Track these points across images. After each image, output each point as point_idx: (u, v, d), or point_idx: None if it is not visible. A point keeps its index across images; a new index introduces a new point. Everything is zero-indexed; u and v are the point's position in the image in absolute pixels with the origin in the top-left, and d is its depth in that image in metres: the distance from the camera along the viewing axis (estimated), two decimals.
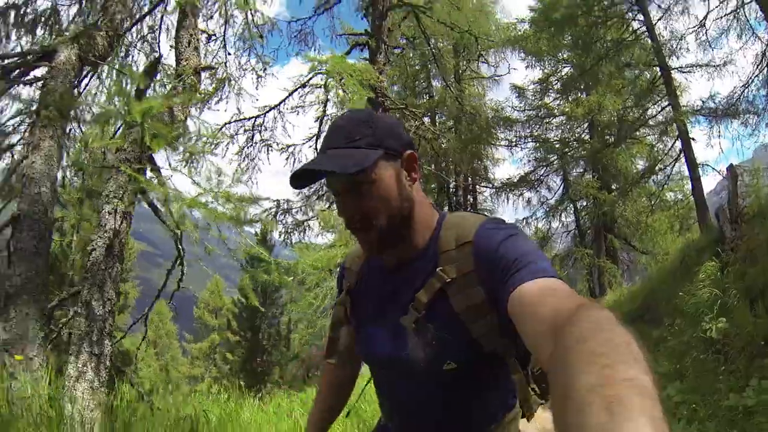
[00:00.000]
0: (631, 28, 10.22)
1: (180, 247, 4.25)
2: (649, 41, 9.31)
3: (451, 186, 18.45)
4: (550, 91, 17.38)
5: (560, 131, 17.52)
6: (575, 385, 0.46)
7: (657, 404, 0.43)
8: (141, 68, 5.09)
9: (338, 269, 1.31)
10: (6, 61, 4.35)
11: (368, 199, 0.98)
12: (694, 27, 9.62)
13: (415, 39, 13.50)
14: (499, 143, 17.66)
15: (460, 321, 0.97)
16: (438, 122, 18.28)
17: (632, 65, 10.58)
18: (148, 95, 4.37)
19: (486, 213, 9.88)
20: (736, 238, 4.85)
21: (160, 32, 5.80)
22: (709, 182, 26.01)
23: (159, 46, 5.82)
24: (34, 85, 4.49)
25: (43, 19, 5.04)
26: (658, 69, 9.27)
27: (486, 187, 19.21)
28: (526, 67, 16.67)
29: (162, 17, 5.57)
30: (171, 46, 5.07)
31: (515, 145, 17.23)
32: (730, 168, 5.68)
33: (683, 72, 9.56)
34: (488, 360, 1.00)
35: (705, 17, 9.47)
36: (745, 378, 3.15)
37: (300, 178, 1.01)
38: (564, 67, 16.52)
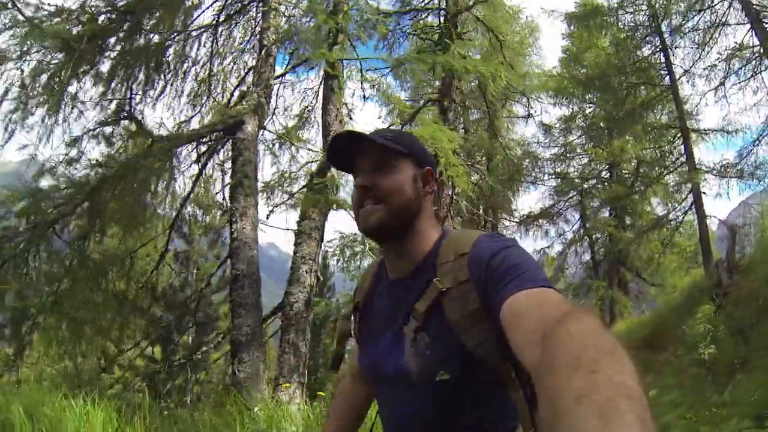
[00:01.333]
0: (658, 89, 11.65)
1: None
2: (674, 105, 10.74)
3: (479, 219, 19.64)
4: (574, 129, 18.70)
5: (581, 167, 18.78)
6: (564, 391, 0.47)
7: (646, 409, 0.43)
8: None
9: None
10: (203, 139, 5.35)
11: (388, 179, 1.07)
12: (714, 87, 11.06)
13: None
14: (527, 180, 18.76)
15: (454, 332, 0.98)
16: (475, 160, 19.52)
17: (657, 127, 11.99)
18: None
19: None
20: (730, 286, 6.20)
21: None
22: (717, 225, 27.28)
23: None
24: (223, 154, 5.38)
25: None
26: (679, 130, 10.67)
27: (508, 219, 20.14)
28: (554, 105, 18.02)
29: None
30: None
31: (539, 182, 18.52)
32: (725, 222, 7.04)
33: (702, 133, 11.04)
34: (483, 374, 1.00)
35: (724, 79, 10.86)
36: (725, 386, 4.49)
37: (337, 152, 1.14)
38: (589, 106, 17.81)
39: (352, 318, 1.23)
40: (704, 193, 9.96)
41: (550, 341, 0.60)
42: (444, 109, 7.67)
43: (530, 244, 17.98)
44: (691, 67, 10.90)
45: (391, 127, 6.88)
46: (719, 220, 7.51)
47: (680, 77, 10.97)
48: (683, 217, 10.95)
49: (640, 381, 0.47)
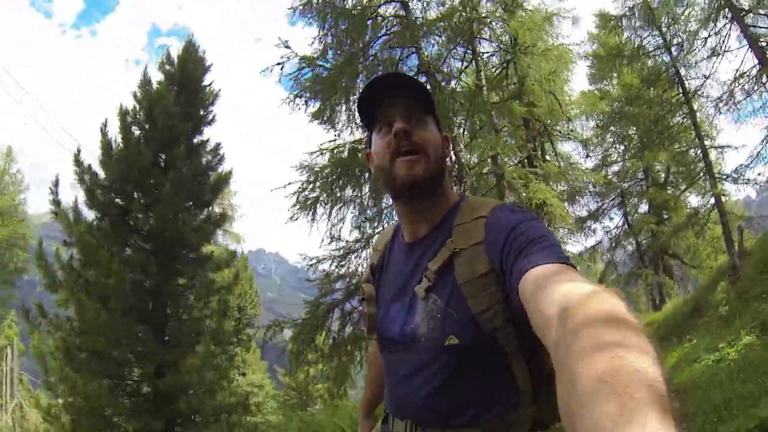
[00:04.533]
0: (681, 113, 14.86)
1: None
2: (693, 132, 13.95)
3: None
4: (609, 137, 21.69)
5: (620, 170, 21.71)
6: (583, 373, 0.46)
7: (665, 396, 0.43)
8: None
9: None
10: None
11: (423, 130, 1.06)
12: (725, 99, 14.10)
13: None
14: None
15: (461, 295, 0.98)
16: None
17: (681, 151, 15.26)
18: None
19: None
20: (739, 267, 9.44)
21: None
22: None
23: None
24: None
25: None
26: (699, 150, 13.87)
27: (562, 227, 22.97)
28: (586, 120, 21.04)
29: None
30: None
31: (585, 190, 21.58)
32: (738, 227, 10.27)
33: (717, 149, 14.34)
34: (487, 343, 0.98)
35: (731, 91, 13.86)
36: (741, 321, 7.75)
37: (370, 96, 1.10)
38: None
39: (371, 279, 1.23)
40: (725, 195, 13.04)
41: (571, 321, 0.58)
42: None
43: (582, 242, 20.67)
44: (703, 93, 14.13)
45: None
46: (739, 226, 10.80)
47: (695, 94, 14.11)
48: (710, 214, 13.94)
49: (661, 366, 0.47)
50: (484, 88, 9.42)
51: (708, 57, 13.50)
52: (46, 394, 8.17)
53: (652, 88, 15.74)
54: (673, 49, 14.47)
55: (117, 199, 7.75)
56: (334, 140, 8.92)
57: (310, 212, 8.68)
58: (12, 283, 26.40)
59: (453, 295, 1.00)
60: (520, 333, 0.97)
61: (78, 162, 7.51)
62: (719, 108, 13.31)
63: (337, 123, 8.90)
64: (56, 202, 7.15)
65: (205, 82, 9.28)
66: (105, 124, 7.85)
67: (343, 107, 8.77)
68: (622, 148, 21.17)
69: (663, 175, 19.40)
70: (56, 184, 7.24)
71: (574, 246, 15.92)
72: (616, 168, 21.71)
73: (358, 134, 8.95)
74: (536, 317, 0.73)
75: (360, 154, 8.08)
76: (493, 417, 1.00)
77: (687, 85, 14.09)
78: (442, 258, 1.02)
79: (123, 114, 8.00)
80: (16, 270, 26.32)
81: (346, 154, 8.59)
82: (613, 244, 21.93)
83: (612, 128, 20.54)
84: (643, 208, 21.08)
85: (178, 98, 8.45)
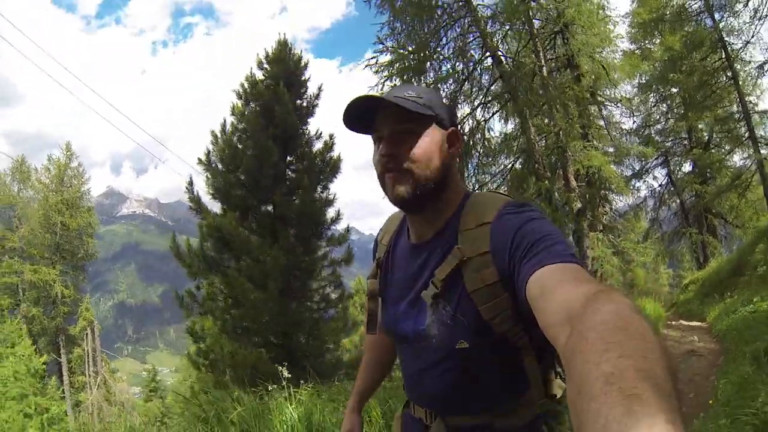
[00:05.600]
0: (724, 77, 15.24)
1: None
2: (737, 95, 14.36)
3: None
4: (652, 96, 21.77)
5: (663, 130, 21.84)
6: (591, 375, 0.47)
7: (672, 398, 0.43)
8: None
9: (373, 241, 1.34)
10: None
11: (411, 147, 1.03)
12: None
13: None
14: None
15: (471, 302, 1.00)
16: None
17: (725, 115, 15.70)
18: None
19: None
20: None
21: None
22: None
23: None
24: None
25: None
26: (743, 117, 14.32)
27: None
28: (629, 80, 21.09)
29: None
30: None
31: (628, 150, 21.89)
32: None
33: (760, 113, 14.74)
34: (498, 343, 1.02)
35: None
36: None
37: (354, 117, 1.07)
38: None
39: (377, 274, 1.24)
40: (766, 159, 13.58)
41: (578, 322, 0.59)
42: None
43: (626, 202, 20.94)
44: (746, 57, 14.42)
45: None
46: None
47: (737, 58, 14.36)
48: (753, 177, 14.44)
49: (668, 366, 0.47)
50: (543, 68, 10.20)
51: (750, 20, 13.80)
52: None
53: (694, 52, 16.00)
54: (715, 12, 14.72)
55: (245, 192, 8.93)
56: None
57: None
58: (82, 268, 28.61)
59: (462, 302, 1.01)
60: (530, 329, 1.00)
61: (207, 162, 8.84)
62: (763, 71, 13.72)
63: None
64: (195, 200, 8.57)
65: (305, 77, 10.52)
66: (223, 126, 9.21)
67: None
68: (665, 107, 21.27)
69: (706, 136, 19.59)
70: (190, 183, 8.66)
71: (619, 204, 16.46)
72: (659, 127, 21.92)
73: None
74: (543, 320, 0.75)
75: None
76: (504, 403, 1.08)
77: (729, 50, 14.43)
78: (450, 266, 1.02)
79: (240, 113, 9.29)
80: (87, 256, 28.39)
81: None
82: (658, 203, 22.31)
83: (654, 88, 20.68)
84: (687, 167, 21.29)
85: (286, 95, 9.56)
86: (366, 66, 9.46)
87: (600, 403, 0.43)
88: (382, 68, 9.30)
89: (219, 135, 9.30)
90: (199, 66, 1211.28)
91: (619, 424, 0.40)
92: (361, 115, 1.07)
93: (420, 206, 1.08)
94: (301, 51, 10.81)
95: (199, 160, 8.83)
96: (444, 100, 1.16)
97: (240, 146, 9.23)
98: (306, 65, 10.66)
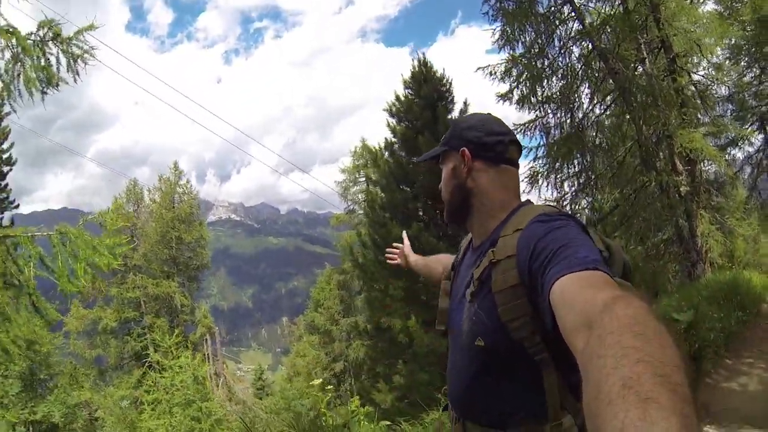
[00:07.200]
0: None
1: None
2: None
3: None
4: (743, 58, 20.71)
5: (758, 93, 20.82)
6: (608, 380, 0.47)
7: (689, 403, 0.43)
8: None
9: None
10: None
11: (441, 180, 1.31)
12: None
13: None
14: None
15: (494, 302, 1.05)
16: None
17: None
18: None
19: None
20: None
21: None
22: None
23: None
24: None
25: None
26: None
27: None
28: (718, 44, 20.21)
29: None
30: None
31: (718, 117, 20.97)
32: None
33: None
34: (515, 349, 1.03)
35: None
36: None
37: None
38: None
39: (450, 276, 1.38)
40: None
41: (597, 327, 0.59)
42: None
43: (722, 173, 20.21)
44: None
45: None
46: None
47: None
48: None
49: (684, 371, 0.47)
50: (646, 59, 10.81)
51: None
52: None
53: None
54: None
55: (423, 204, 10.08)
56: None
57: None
58: (195, 278, 30.12)
59: (487, 301, 1.07)
60: (553, 346, 0.98)
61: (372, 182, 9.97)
62: None
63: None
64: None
65: (452, 96, 11.42)
66: (381, 147, 10.51)
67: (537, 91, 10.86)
68: (758, 70, 20.24)
69: None
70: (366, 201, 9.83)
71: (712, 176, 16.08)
72: (753, 90, 20.82)
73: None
74: (563, 326, 0.76)
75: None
76: (517, 422, 1.06)
77: None
78: (483, 267, 1.10)
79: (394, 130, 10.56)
80: (200, 267, 30.03)
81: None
82: (756, 170, 21.33)
83: (746, 51, 19.70)
84: None
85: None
86: (477, 69, 10.43)
87: (617, 406, 0.44)
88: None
89: (380, 151, 10.54)
90: (272, 69, 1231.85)
91: (636, 427, 0.41)
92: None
93: (456, 221, 1.30)
94: (444, 69, 11.52)
95: (367, 178, 9.95)
96: (478, 122, 1.26)
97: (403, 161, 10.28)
98: (450, 83, 11.42)
